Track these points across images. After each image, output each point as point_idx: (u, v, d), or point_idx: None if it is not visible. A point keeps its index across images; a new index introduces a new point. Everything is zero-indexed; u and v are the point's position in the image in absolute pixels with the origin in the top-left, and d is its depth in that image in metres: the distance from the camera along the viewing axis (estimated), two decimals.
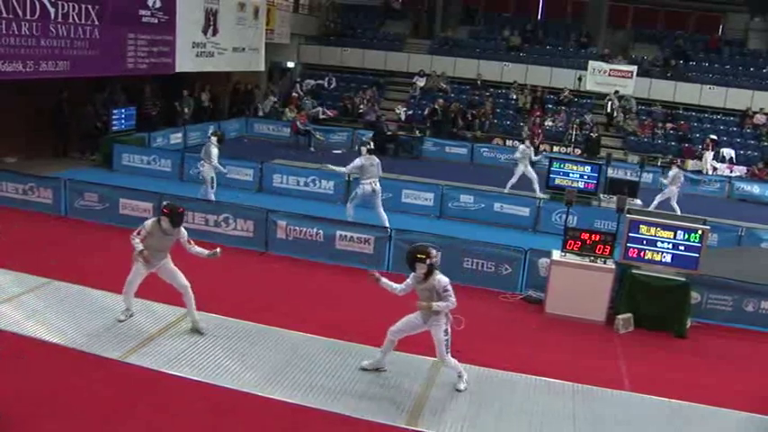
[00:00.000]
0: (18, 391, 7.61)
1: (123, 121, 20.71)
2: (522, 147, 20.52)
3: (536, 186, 19.73)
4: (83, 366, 8.39)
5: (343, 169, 15.42)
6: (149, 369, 8.42)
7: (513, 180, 19.87)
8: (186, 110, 25.51)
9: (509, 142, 28.10)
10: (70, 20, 17.41)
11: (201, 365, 8.60)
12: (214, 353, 9.00)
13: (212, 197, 15.18)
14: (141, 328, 9.53)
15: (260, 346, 9.34)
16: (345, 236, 12.98)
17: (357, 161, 15.02)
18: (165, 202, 10.03)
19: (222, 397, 7.96)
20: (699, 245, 10.94)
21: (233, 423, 7.50)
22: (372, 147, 15.57)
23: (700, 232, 10.95)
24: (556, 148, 27.12)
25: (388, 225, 14.13)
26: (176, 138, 23.38)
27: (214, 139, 15.60)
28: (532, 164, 20.15)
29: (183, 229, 9.48)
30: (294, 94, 31.53)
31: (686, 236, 11.00)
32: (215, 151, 15.42)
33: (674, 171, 19.20)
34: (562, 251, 11.53)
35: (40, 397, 7.56)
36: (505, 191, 19.31)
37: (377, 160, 15.14)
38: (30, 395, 7.57)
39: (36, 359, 8.46)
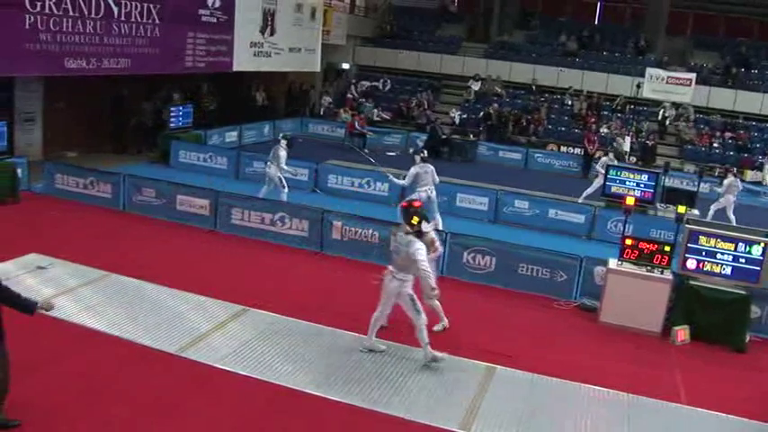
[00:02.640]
0: (77, 380, 7.78)
1: (180, 119, 21.00)
2: (604, 158, 20.18)
3: (588, 191, 19.45)
4: (140, 358, 8.55)
5: (401, 182, 15.39)
6: (205, 364, 8.53)
7: (590, 190, 19.48)
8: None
9: (563, 148, 27.85)
10: (132, 18, 17.75)
11: (256, 363, 8.67)
12: (268, 351, 9.06)
13: (284, 197, 15.24)
14: (196, 324, 9.64)
15: (314, 345, 9.38)
16: None
17: (412, 170, 15.05)
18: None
19: (276, 394, 8.04)
20: (761, 258, 10.71)
21: (287, 420, 7.57)
22: (426, 155, 15.58)
23: (762, 245, 10.72)
24: (610, 155, 26.69)
25: (441, 227, 14.11)
26: (231, 136, 23.68)
27: (284, 142, 15.65)
28: (585, 168, 19.81)
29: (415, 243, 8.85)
30: (349, 95, 31.68)
31: (747, 248, 10.78)
32: (283, 154, 15.49)
33: (729, 179, 18.80)
34: (619, 260, 11.38)
35: (98, 385, 7.72)
36: (579, 200, 18.98)
37: (431, 167, 15.15)
38: (88, 384, 7.74)
39: (94, 350, 8.64)
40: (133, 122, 21.21)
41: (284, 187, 15.51)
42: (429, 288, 8.73)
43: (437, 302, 9.97)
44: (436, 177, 15.20)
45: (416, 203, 9.46)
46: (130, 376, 8.07)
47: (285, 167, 15.68)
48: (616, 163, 20.10)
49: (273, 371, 8.55)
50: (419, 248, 8.65)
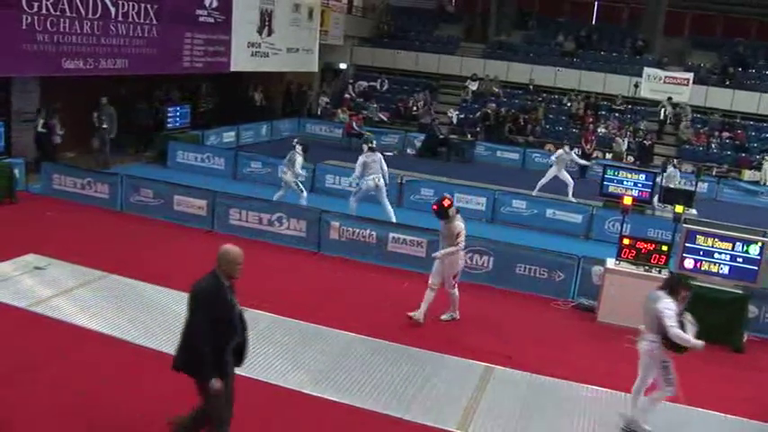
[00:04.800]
0: (74, 381, 7.76)
1: (178, 119, 20.99)
2: (559, 151, 20.45)
3: (570, 191, 19.70)
4: (136, 358, 8.53)
5: (354, 174, 15.71)
6: None
7: (544, 180, 19.95)
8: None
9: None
10: (130, 19, 17.76)
11: (254, 363, 8.64)
12: (266, 351, 9.06)
13: (304, 202, 15.27)
14: None
15: (311, 345, 9.38)
16: (398, 238, 12.99)
17: (360, 159, 15.52)
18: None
19: (274, 394, 8.04)
20: (758, 257, 10.72)
21: (285, 420, 7.57)
22: (374, 144, 16.00)
23: (759, 244, 10.72)
24: (608, 156, 26.74)
25: (394, 219, 14.42)
26: (229, 136, 23.67)
27: (299, 148, 15.63)
28: (582, 169, 19.98)
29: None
30: (346, 95, 31.69)
31: (745, 248, 10.78)
32: (299, 160, 15.49)
33: (558, 152, 20.34)
34: (616, 259, 11.39)
35: (95, 386, 7.70)
36: (534, 193, 19.23)
37: (378, 156, 15.56)
38: (86, 385, 7.72)
39: (91, 351, 8.62)
40: (130, 123, 21.10)
41: (302, 191, 15.57)
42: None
43: (456, 293, 10.62)
44: (384, 165, 15.53)
45: (446, 201, 10.32)
46: (128, 377, 8.04)
47: (301, 172, 15.72)
48: (573, 155, 20.64)
49: (271, 371, 8.54)
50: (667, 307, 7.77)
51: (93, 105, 18.97)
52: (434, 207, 10.29)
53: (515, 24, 36.46)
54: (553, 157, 20.36)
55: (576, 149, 23.69)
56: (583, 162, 20.74)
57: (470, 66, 32.66)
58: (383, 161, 15.60)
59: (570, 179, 19.91)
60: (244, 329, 6.49)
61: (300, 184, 15.66)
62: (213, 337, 6.03)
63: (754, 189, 24.27)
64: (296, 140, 16.42)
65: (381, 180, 15.41)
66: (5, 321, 9.15)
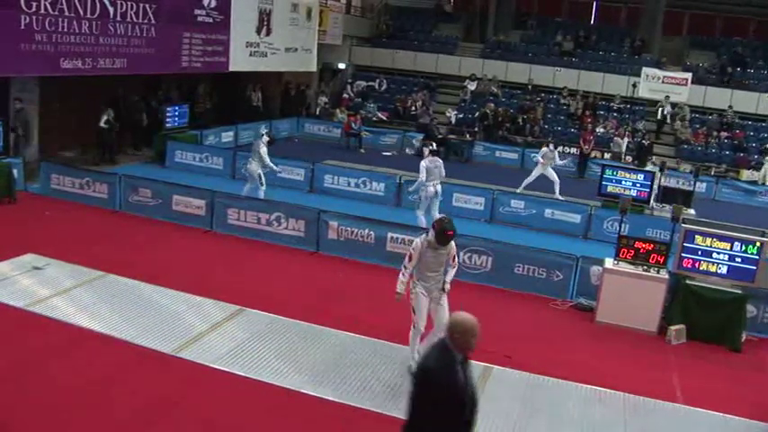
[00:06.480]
0: (72, 381, 7.76)
1: (177, 119, 20.99)
2: (544, 149, 20.54)
3: (556, 188, 19.75)
4: (134, 358, 8.53)
5: (421, 178, 15.02)
6: (201, 364, 8.52)
7: (530, 179, 19.97)
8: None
9: (560, 148, 27.84)
10: (128, 18, 17.72)
11: (252, 363, 8.66)
12: (264, 351, 9.05)
13: (262, 195, 15.25)
14: (192, 324, 9.63)
15: (310, 345, 9.38)
16: (396, 238, 12.98)
17: (422, 164, 14.99)
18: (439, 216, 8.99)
19: (273, 394, 8.03)
20: (756, 257, 10.73)
21: (284, 420, 7.57)
22: (435, 148, 15.69)
23: (758, 244, 10.73)
24: (606, 155, 26.73)
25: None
26: (228, 136, 23.68)
27: (265, 139, 15.66)
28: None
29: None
30: (345, 95, 31.70)
31: (743, 247, 10.79)
32: (264, 150, 15.48)
33: (543, 150, 20.48)
34: (615, 259, 11.39)
35: (93, 386, 7.70)
36: (518, 190, 19.25)
37: (440, 161, 15.20)
38: (84, 385, 7.72)
39: (89, 351, 8.63)
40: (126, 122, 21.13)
41: (262, 184, 15.49)
42: None
43: None
44: (443, 171, 15.21)
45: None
46: (126, 377, 8.04)
47: (270, 164, 15.68)
48: (557, 154, 20.67)
49: (269, 371, 8.53)
50: None
51: (110, 102, 19.62)
52: (450, 233, 8.44)
53: (514, 24, 36.53)
54: (539, 156, 20.42)
55: (558, 149, 23.64)
56: (561, 162, 20.83)
57: (469, 65, 32.66)
58: (443, 167, 15.21)
59: (556, 177, 19.94)
60: (473, 409, 5.57)
61: (262, 177, 15.55)
62: (437, 419, 5.27)
63: (752, 189, 24.26)
64: (261, 130, 16.42)
65: (440, 186, 15.13)
66: (4, 321, 9.16)
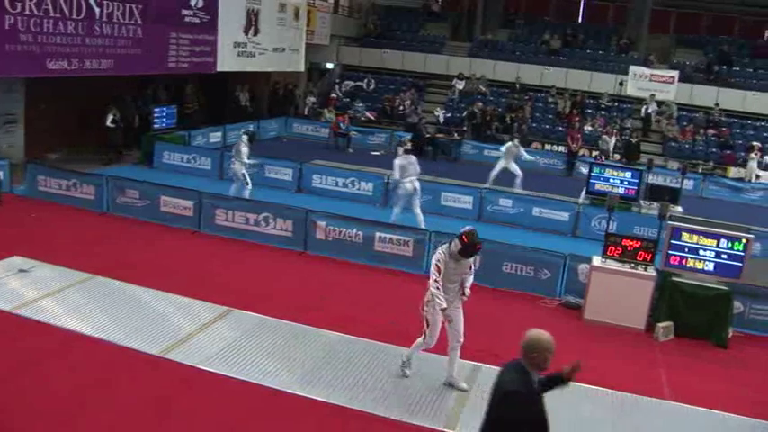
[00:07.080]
0: (61, 384, 7.73)
1: (165, 120, 20.93)
2: (508, 144, 20.75)
3: (518, 182, 19.90)
4: (123, 360, 8.50)
5: (395, 176, 15.43)
6: (189, 365, 8.49)
7: (494, 172, 20.20)
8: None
9: (548, 146, 28.01)
10: (114, 19, 17.63)
11: (240, 364, 8.65)
12: (252, 352, 9.04)
13: (247, 194, 15.25)
14: (180, 325, 9.61)
15: (299, 345, 9.36)
16: (384, 237, 12.98)
17: (396, 162, 15.25)
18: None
19: (261, 395, 8.01)
20: (742, 253, 10.79)
21: (273, 420, 7.56)
22: (409, 147, 15.88)
23: (743, 241, 10.79)
24: (594, 153, 26.79)
25: (423, 226, 14.15)
26: (215, 137, 23.62)
27: (245, 137, 15.65)
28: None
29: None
30: (333, 95, 31.68)
31: (729, 244, 10.84)
32: (245, 150, 15.46)
33: (507, 144, 20.72)
34: (602, 257, 11.43)
35: (82, 389, 7.67)
36: (487, 184, 19.43)
37: (414, 158, 15.31)
38: (72, 387, 7.69)
39: (78, 353, 8.59)
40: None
41: (248, 183, 15.51)
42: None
43: None
44: (418, 168, 15.34)
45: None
46: (115, 379, 8.01)
47: (248, 162, 15.68)
48: (521, 150, 20.86)
49: (258, 371, 8.52)
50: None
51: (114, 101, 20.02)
52: (480, 247, 8.40)
53: (501, 23, 36.56)
54: (502, 149, 20.63)
55: (562, 148, 23.73)
56: (529, 158, 21.01)
57: (457, 65, 32.68)
58: (417, 163, 15.36)
59: (519, 171, 20.09)
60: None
61: (247, 176, 15.58)
62: None
63: (739, 186, 24.39)
64: (242, 130, 16.43)
65: (418, 183, 15.25)
66: None
